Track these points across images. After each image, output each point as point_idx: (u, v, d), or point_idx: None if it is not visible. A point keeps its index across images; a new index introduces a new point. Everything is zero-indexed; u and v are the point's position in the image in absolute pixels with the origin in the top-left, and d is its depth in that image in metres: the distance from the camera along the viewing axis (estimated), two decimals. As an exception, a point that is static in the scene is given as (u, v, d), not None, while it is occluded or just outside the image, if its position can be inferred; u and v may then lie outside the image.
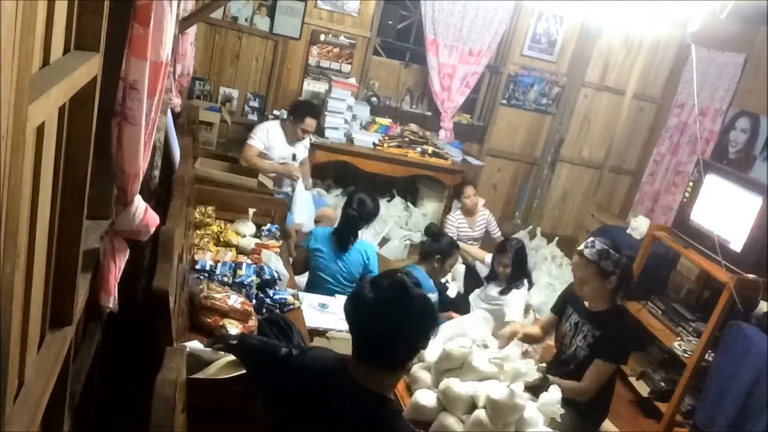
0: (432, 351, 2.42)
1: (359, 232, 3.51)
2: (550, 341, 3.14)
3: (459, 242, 4.08)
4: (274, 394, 1.64)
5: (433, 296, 3.31)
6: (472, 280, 4.28)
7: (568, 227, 6.14)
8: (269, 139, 4.21)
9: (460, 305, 3.86)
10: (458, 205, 4.84)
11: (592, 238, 2.68)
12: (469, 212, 4.72)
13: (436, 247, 3.61)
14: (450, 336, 2.50)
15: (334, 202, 5.03)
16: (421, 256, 3.68)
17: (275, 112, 5.11)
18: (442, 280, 3.85)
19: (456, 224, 4.64)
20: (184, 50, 3.30)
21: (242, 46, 5.12)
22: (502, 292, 3.77)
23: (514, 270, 3.77)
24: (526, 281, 3.86)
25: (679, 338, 3.60)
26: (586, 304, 2.72)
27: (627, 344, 2.69)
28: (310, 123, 4.22)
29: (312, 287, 3.41)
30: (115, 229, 1.70)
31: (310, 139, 4.67)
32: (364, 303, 1.49)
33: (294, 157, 4.32)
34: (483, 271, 4.27)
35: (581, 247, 2.66)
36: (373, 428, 1.48)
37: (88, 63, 1.21)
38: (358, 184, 5.47)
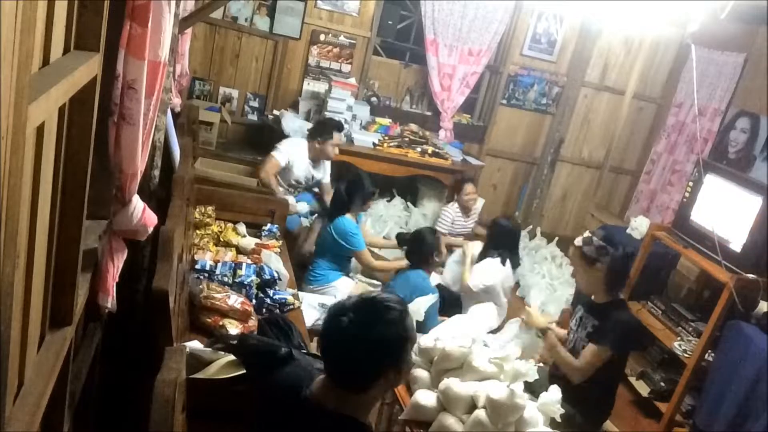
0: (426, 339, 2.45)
1: (351, 208, 3.69)
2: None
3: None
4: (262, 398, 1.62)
5: (434, 297, 3.31)
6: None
7: (568, 227, 6.13)
8: (294, 156, 4.21)
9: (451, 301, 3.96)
10: (456, 199, 4.83)
11: (587, 231, 2.85)
12: (466, 209, 4.74)
13: (417, 250, 3.56)
14: (450, 335, 2.50)
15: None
16: (411, 264, 3.59)
17: (275, 112, 5.11)
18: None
19: (453, 217, 4.69)
20: (183, 50, 3.30)
21: (242, 46, 5.12)
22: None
23: (488, 239, 4.03)
24: (498, 259, 3.91)
25: (679, 338, 3.60)
26: (593, 297, 2.80)
27: (624, 332, 2.69)
28: (338, 137, 4.28)
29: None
30: (113, 229, 1.70)
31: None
32: (328, 322, 1.44)
33: (313, 178, 4.37)
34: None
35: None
36: None
37: (88, 63, 1.21)
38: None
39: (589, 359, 2.63)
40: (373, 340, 1.38)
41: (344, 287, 3.61)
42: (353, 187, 3.73)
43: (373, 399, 1.50)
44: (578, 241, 2.76)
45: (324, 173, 4.46)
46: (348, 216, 3.67)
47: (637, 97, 5.67)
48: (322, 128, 4.29)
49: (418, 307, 2.70)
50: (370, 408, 1.52)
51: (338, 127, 4.33)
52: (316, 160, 4.32)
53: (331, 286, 3.61)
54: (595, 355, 2.62)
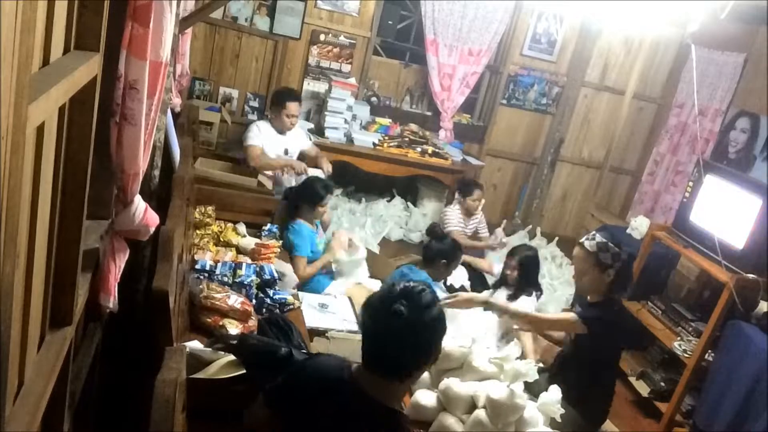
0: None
1: (299, 210, 3.54)
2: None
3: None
4: (274, 397, 1.62)
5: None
6: (482, 286, 4.13)
7: (568, 227, 6.13)
8: (262, 137, 4.17)
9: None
10: (459, 200, 4.78)
11: (593, 232, 2.75)
12: (468, 212, 4.72)
13: (442, 249, 3.53)
14: (450, 335, 2.49)
15: (334, 202, 5.03)
16: (424, 259, 3.58)
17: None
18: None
19: (456, 220, 4.62)
20: (183, 50, 3.30)
21: (242, 46, 5.12)
22: (510, 298, 3.61)
23: (519, 278, 3.64)
24: (534, 292, 3.70)
25: (679, 338, 3.60)
26: (588, 297, 2.76)
27: (608, 323, 2.63)
28: (291, 106, 4.17)
29: None
30: (114, 229, 1.70)
31: (310, 138, 4.66)
32: (377, 313, 1.47)
33: (286, 152, 4.28)
34: (490, 279, 4.24)
35: (582, 239, 2.73)
36: None
37: (88, 63, 1.21)
38: (358, 184, 5.48)
39: (557, 319, 2.67)
40: (429, 323, 1.45)
41: (339, 290, 3.53)
42: (300, 192, 3.56)
43: (407, 387, 1.60)
44: (591, 246, 2.65)
45: (299, 141, 4.40)
46: (301, 221, 3.49)
47: (637, 97, 5.67)
48: (275, 98, 4.26)
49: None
50: (401, 398, 1.60)
51: (291, 95, 4.24)
52: (281, 131, 4.26)
53: (327, 293, 3.45)
54: (566, 321, 2.63)
